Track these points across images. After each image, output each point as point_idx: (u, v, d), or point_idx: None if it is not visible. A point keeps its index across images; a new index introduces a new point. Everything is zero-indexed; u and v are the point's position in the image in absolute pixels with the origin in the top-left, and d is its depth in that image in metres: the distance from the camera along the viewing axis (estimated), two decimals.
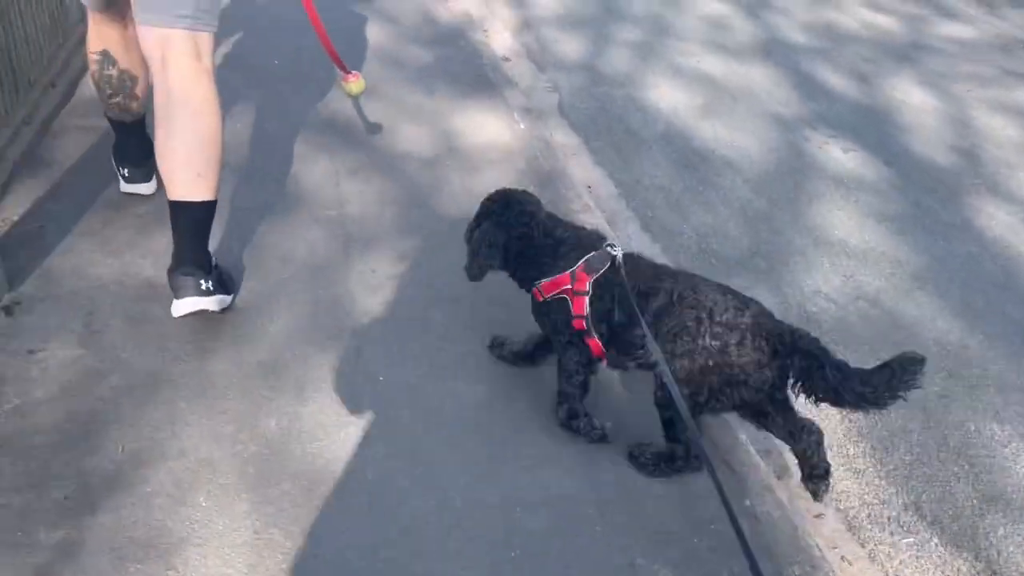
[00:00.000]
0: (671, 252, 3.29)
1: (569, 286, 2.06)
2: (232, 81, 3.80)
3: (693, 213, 3.60)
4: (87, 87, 3.66)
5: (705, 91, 4.79)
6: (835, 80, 5.05)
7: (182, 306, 2.30)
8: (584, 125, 4.28)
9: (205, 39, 2.16)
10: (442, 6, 5.46)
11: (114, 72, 2.58)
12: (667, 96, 4.68)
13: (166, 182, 2.28)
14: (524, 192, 2.28)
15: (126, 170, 2.92)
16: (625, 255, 2.08)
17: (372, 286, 2.69)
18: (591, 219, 3.28)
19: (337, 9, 4.98)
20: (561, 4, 5.96)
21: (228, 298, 2.43)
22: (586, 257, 2.07)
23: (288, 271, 2.71)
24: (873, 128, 4.49)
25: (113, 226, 2.78)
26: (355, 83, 3.13)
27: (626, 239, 3.36)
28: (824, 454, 2.14)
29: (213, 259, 2.38)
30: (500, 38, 5.28)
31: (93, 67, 2.63)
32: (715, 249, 3.34)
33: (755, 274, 3.19)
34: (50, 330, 2.28)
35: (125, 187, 2.95)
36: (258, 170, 3.28)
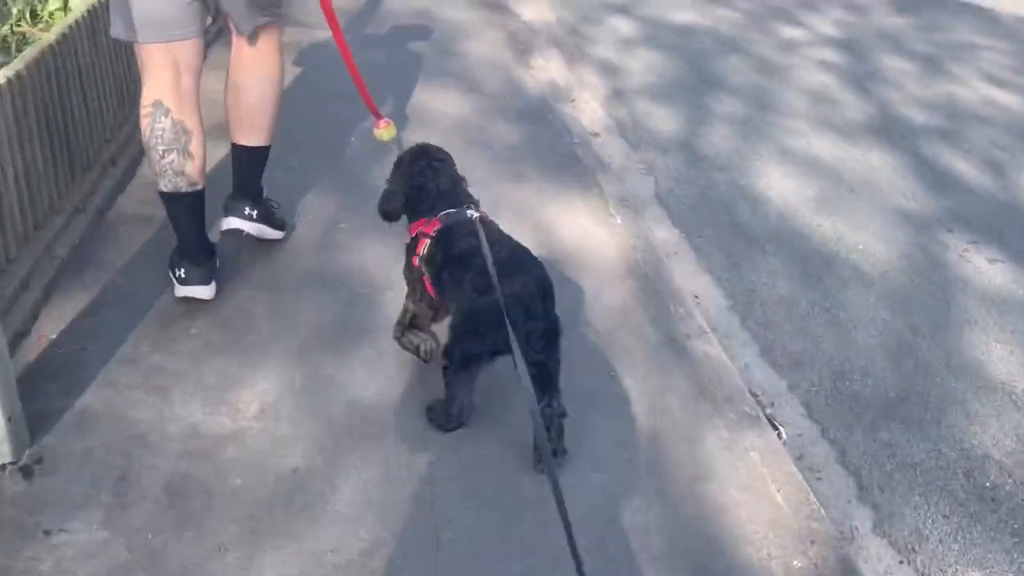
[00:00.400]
0: (799, 390, 2.78)
1: (424, 229, 2.30)
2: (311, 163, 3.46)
3: (822, 338, 3.08)
4: (147, 167, 3.36)
5: (818, 179, 4.28)
6: (965, 169, 4.49)
7: (225, 223, 2.79)
8: (685, 217, 3.81)
9: (279, 27, 2.61)
10: (527, 73, 5.07)
11: (167, 123, 2.35)
12: (776, 183, 4.19)
13: (232, 128, 2.67)
14: (438, 149, 2.49)
15: (182, 270, 2.54)
16: (480, 218, 2.26)
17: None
18: (707, 347, 2.79)
19: (413, 77, 4.64)
20: (653, 72, 5.53)
21: (271, 231, 2.88)
22: (447, 211, 2.29)
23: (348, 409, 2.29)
24: (1018, 232, 3.92)
25: (162, 350, 2.39)
26: (386, 129, 3.08)
27: (742, 369, 2.87)
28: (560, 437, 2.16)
29: (264, 193, 2.82)
30: (589, 110, 4.86)
31: (145, 122, 2.38)
32: (855, 391, 2.81)
33: (906, 427, 2.65)
34: (72, 502, 1.87)
35: (180, 291, 2.56)
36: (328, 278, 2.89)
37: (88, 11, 3.19)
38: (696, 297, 3.19)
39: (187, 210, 2.48)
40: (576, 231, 3.37)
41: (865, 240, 3.72)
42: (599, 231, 3.40)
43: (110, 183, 3.25)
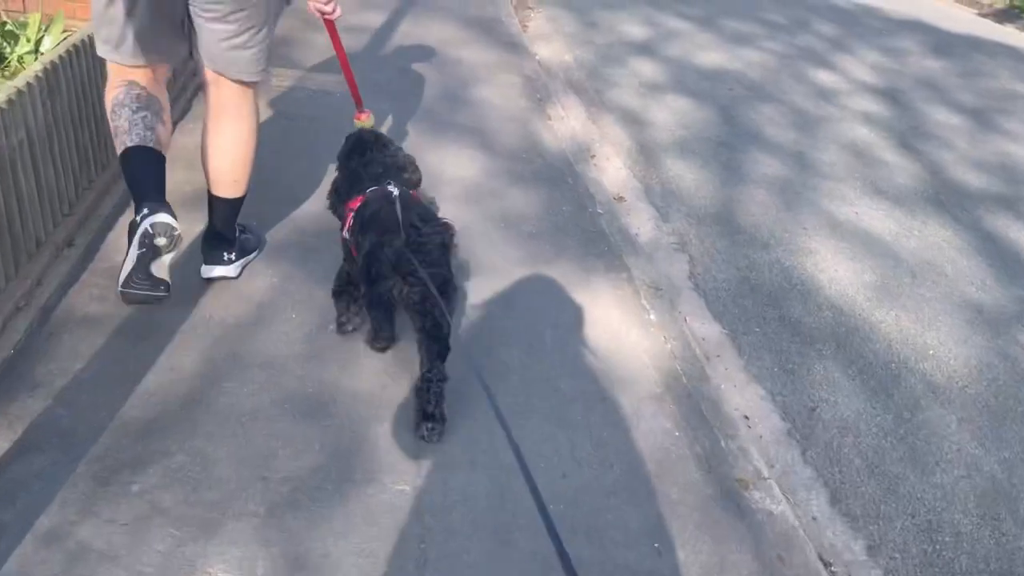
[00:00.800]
0: (881, 556, 2.26)
1: (351, 205, 2.45)
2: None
3: (899, 478, 2.55)
4: (114, 245, 2.87)
5: (873, 259, 3.77)
6: None
7: (208, 271, 2.73)
8: (726, 306, 3.30)
9: (254, 86, 2.57)
10: (544, 126, 4.59)
11: (143, 92, 2.42)
12: (826, 265, 3.68)
13: (210, 179, 2.61)
14: (374, 136, 2.69)
15: (146, 207, 2.26)
16: (399, 193, 2.33)
17: None
18: (769, 501, 2.28)
19: (422, 129, 4.15)
20: (680, 122, 5.04)
21: (249, 258, 2.85)
22: (371, 188, 2.43)
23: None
24: None
25: (94, 516, 1.87)
26: (366, 119, 3.24)
27: (809, 521, 2.35)
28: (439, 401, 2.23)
29: (237, 231, 2.76)
30: (612, 169, 4.37)
31: (115, 92, 2.40)
32: (947, 559, 2.28)
33: None
34: None
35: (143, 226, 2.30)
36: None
37: (46, 68, 2.72)
38: (747, 419, 2.68)
39: (150, 163, 2.37)
40: (605, 333, 2.85)
41: (936, 342, 3.22)
42: (631, 332, 2.90)
43: (63, 270, 2.75)
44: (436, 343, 2.19)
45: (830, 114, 5.46)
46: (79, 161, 2.96)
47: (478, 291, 2.94)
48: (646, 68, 6.00)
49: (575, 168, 4.12)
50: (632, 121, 5.02)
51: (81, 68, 2.95)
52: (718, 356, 2.99)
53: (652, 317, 3.01)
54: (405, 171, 2.59)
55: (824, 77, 6.16)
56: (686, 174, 4.40)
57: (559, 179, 3.96)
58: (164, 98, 2.49)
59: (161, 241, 2.18)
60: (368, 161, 2.54)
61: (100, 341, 2.41)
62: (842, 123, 5.33)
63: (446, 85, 4.85)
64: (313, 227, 3.11)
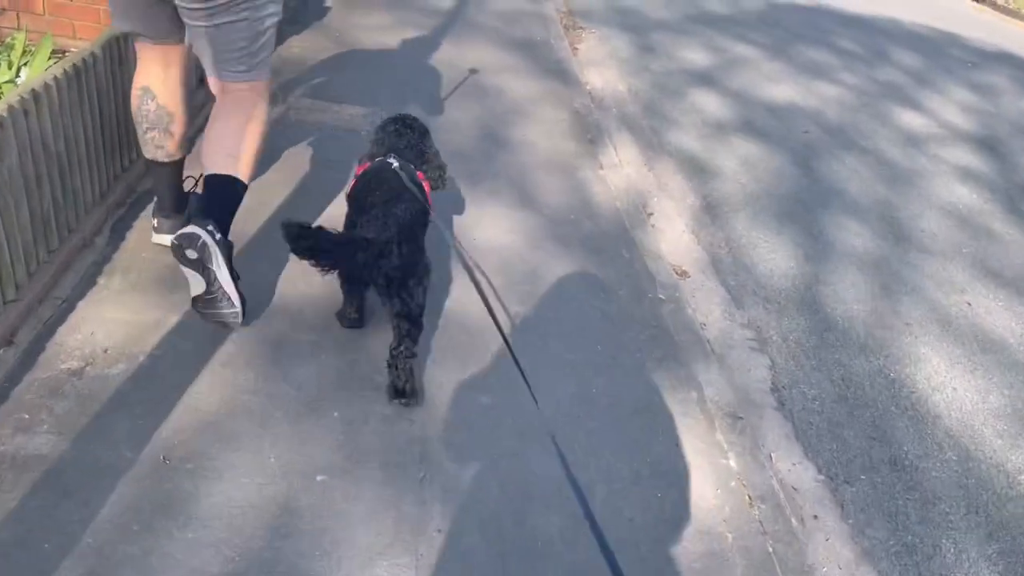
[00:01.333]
0: None
1: (357, 170, 2.46)
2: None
3: None
4: (65, 338, 2.26)
5: (999, 374, 3.02)
6: None
7: (186, 228, 2.12)
8: (821, 438, 2.58)
9: (262, 85, 2.44)
10: (595, 175, 3.90)
11: (152, 107, 2.49)
12: (941, 381, 2.94)
13: (203, 156, 2.38)
14: (411, 118, 2.64)
15: (156, 220, 2.69)
16: (398, 165, 2.33)
17: None
18: None
19: (457, 177, 3.50)
20: (750, 172, 4.33)
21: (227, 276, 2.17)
22: (379, 158, 2.41)
23: None
24: None
25: None
26: None
27: None
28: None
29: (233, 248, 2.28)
30: (674, 232, 3.67)
31: (135, 101, 2.52)
32: None
33: None
34: None
35: (155, 237, 2.68)
36: None
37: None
38: None
39: (164, 176, 2.60)
40: (673, 491, 2.17)
41: None
42: (705, 486, 2.21)
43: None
44: (405, 321, 2.17)
45: (922, 167, 4.70)
46: (33, 233, 2.35)
47: (512, 418, 2.27)
48: (709, 102, 5.28)
49: (631, 234, 3.43)
50: (695, 170, 4.31)
51: (44, 117, 2.33)
52: (815, 518, 2.29)
53: (731, 463, 2.32)
54: (426, 163, 2.56)
55: (910, 119, 5.39)
56: (760, 241, 3.69)
57: (612, 250, 3.27)
58: (177, 100, 2.47)
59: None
60: (399, 136, 2.53)
61: (41, 472, 1.80)
62: (937, 179, 4.57)
63: (484, 122, 4.19)
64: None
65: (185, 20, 2.27)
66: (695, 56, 6.20)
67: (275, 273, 2.64)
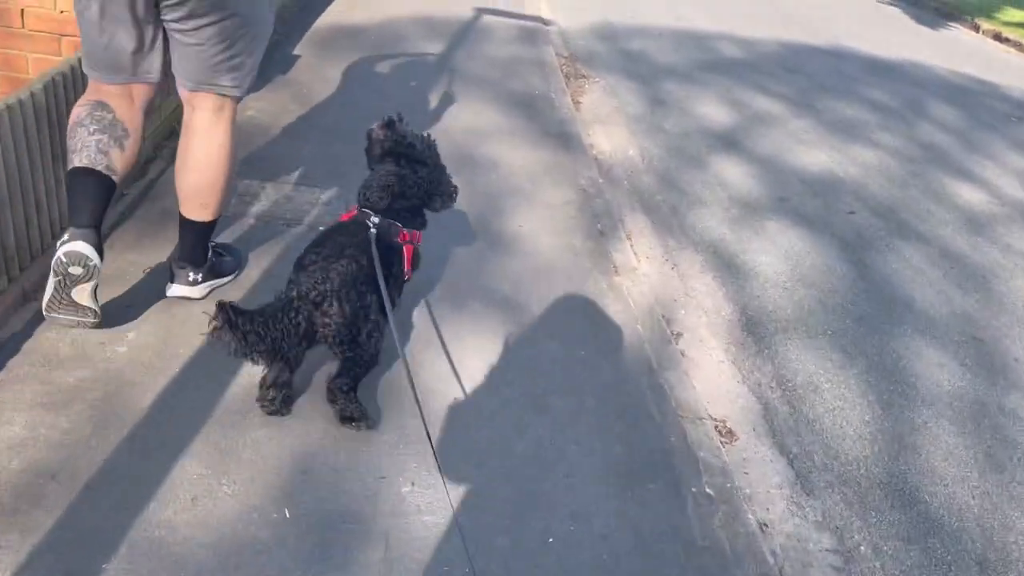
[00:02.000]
0: None
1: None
2: None
3: None
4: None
5: None
6: None
7: (170, 290, 2.49)
8: None
9: (231, 102, 2.37)
10: (608, 286, 3.04)
11: (108, 117, 2.25)
12: None
13: (179, 198, 2.43)
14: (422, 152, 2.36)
15: (66, 234, 2.16)
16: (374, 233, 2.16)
17: None
18: None
19: (434, 302, 2.68)
20: (795, 273, 3.48)
21: (220, 281, 2.59)
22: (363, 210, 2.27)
23: None
24: None
25: None
26: None
27: None
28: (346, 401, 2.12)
29: (211, 253, 2.55)
30: (710, 364, 2.84)
31: (80, 109, 2.25)
32: None
33: None
34: None
35: (63, 248, 2.14)
36: None
37: None
38: None
39: (93, 188, 2.21)
40: None
41: None
42: None
43: None
44: (346, 365, 2.10)
45: (993, 262, 3.89)
46: None
47: None
48: (734, 173, 4.48)
49: (659, 378, 2.59)
50: (727, 267, 3.50)
51: None
52: None
53: None
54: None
55: (966, 194, 4.60)
56: (820, 380, 2.86)
57: (638, 408, 2.42)
58: (137, 124, 2.34)
59: (76, 270, 2.09)
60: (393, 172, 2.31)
61: None
62: (1017, 278, 3.76)
63: (474, 209, 3.37)
64: None
65: (171, 30, 2.23)
66: (713, 111, 5.41)
67: None
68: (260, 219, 3.06)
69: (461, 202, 3.28)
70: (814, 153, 4.90)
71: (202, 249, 2.50)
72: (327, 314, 1.98)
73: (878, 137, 5.29)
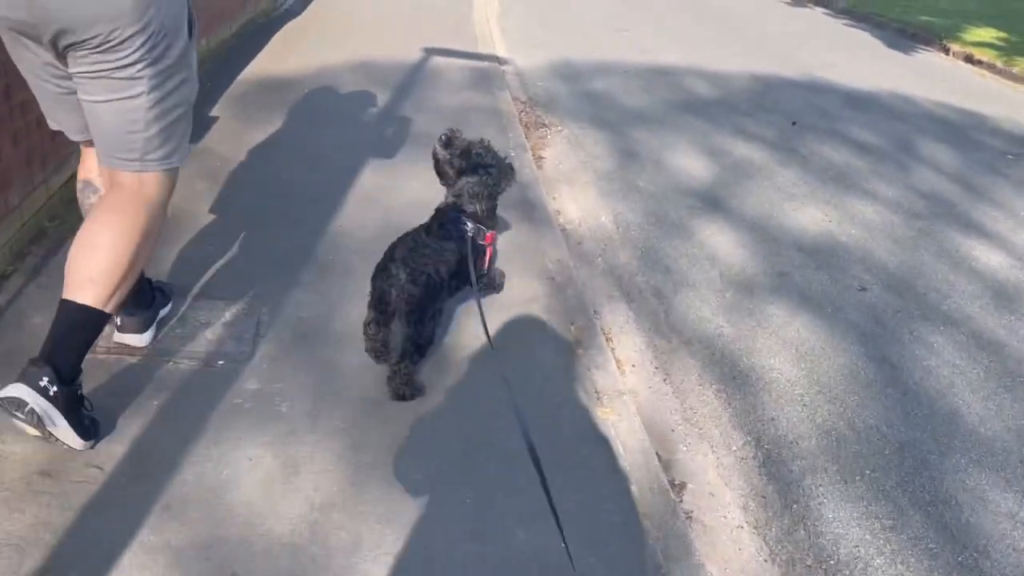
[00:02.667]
0: None
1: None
2: None
3: None
4: None
5: None
6: None
7: (7, 389, 1.80)
8: None
9: (151, 177, 1.99)
10: (592, 429, 2.36)
11: (94, 200, 2.16)
12: None
13: (66, 277, 1.93)
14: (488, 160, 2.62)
15: (119, 317, 2.24)
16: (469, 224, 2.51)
17: None
18: None
19: (356, 463, 1.98)
20: (811, 376, 2.80)
21: (66, 428, 1.86)
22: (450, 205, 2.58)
23: None
24: None
25: None
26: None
27: None
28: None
29: (81, 382, 1.92)
30: (725, 524, 2.16)
31: (79, 195, 2.25)
32: None
33: None
34: None
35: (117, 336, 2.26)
36: None
37: None
38: None
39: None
40: None
41: None
42: None
43: None
44: (409, 344, 2.32)
45: None
46: None
47: None
48: (723, 243, 3.83)
49: (665, 561, 1.93)
50: (732, 380, 2.83)
51: None
52: None
53: None
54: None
55: (984, 255, 4.00)
56: (871, 553, 2.16)
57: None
58: None
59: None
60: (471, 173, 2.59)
61: None
62: None
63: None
64: None
65: (79, 81, 1.88)
66: (690, 163, 4.79)
67: None
68: (132, 352, 2.32)
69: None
70: (807, 211, 4.29)
71: (74, 353, 1.90)
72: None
73: (874, 187, 4.71)
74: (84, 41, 1.76)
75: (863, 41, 9.55)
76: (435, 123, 4.62)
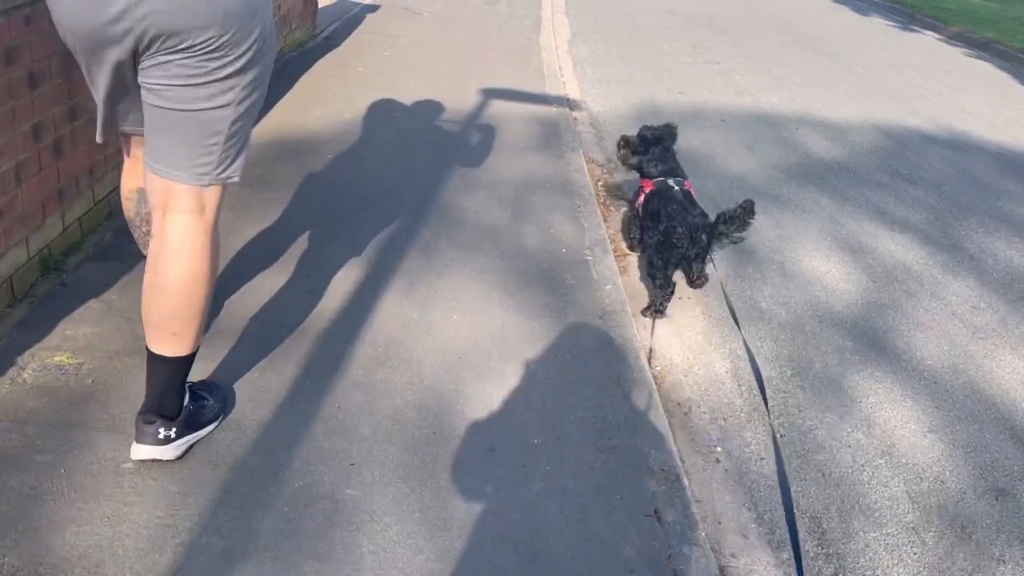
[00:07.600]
0: None
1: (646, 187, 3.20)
2: None
3: None
4: None
5: None
6: None
7: (137, 452, 1.88)
8: None
9: (211, 193, 1.82)
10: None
11: (149, 208, 1.98)
12: None
13: (145, 327, 1.87)
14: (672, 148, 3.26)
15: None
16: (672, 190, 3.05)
17: None
18: None
19: None
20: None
21: (198, 434, 1.95)
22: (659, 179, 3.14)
23: None
24: None
25: None
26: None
27: None
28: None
29: (187, 399, 1.93)
30: None
31: (128, 204, 2.14)
32: None
33: None
34: None
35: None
36: None
37: None
38: None
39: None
40: None
41: None
42: None
43: None
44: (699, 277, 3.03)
45: None
46: None
47: None
48: (898, 419, 2.47)
49: None
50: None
51: None
52: None
53: None
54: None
55: None
56: None
57: None
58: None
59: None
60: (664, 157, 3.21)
61: None
62: None
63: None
64: None
65: (146, 84, 1.70)
66: (825, 267, 3.43)
67: None
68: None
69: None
70: (1007, 360, 2.90)
71: (175, 394, 1.89)
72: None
73: (923, 201, 3.29)
74: (191, 46, 1.60)
75: (991, 76, 7.94)
76: (489, 209, 3.38)
